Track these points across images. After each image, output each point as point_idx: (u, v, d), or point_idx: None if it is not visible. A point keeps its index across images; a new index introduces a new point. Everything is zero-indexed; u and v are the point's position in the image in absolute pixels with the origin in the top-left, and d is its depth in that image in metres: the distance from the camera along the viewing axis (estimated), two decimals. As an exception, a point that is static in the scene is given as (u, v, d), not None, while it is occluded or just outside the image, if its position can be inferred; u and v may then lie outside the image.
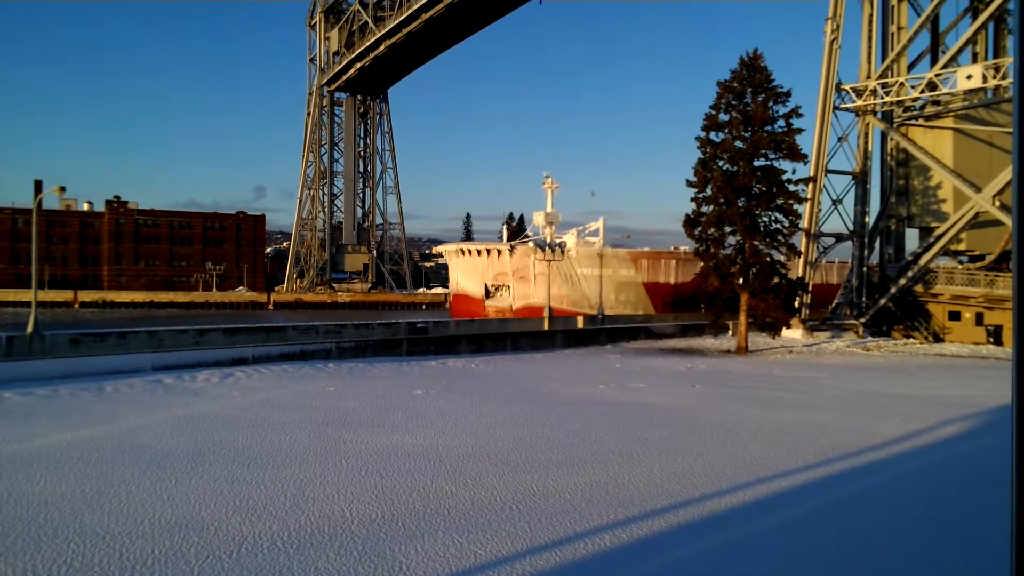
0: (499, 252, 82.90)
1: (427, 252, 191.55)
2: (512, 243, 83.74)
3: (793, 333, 47.07)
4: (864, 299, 52.55)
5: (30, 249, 38.03)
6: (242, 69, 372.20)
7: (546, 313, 47.17)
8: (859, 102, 50.48)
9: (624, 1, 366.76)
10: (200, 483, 11.31)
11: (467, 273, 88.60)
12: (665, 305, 78.15)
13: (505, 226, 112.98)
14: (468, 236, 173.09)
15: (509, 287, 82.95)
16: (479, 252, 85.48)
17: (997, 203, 43.80)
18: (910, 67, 52.24)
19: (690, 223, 40.61)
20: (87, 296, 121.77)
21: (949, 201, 49.88)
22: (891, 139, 52.16)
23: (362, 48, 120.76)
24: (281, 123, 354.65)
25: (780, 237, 39.51)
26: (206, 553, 8.28)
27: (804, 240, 49.09)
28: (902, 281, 50.16)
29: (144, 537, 8.80)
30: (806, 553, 8.64)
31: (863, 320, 51.24)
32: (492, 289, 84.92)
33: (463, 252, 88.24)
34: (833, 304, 55.33)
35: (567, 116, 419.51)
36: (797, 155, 39.20)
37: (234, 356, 29.16)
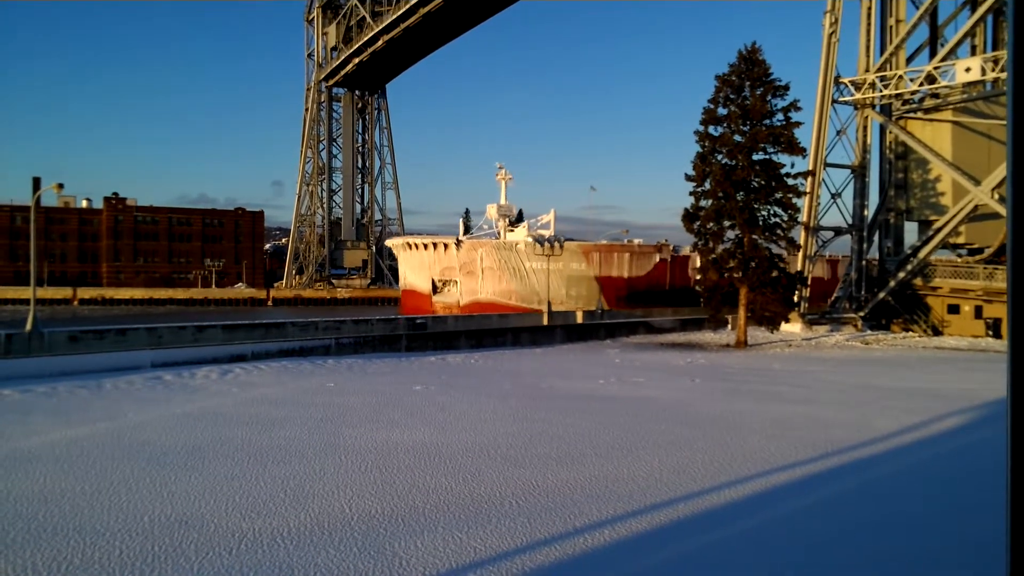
0: (445, 246, 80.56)
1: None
2: (459, 237, 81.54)
3: (792, 327, 47.11)
4: (863, 292, 52.58)
5: (29, 246, 37.96)
6: (240, 65, 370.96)
7: (546, 309, 47.16)
8: (858, 95, 50.42)
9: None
10: (199, 480, 11.31)
11: (415, 268, 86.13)
12: (618, 300, 76.39)
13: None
14: (467, 231, 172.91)
15: (457, 282, 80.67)
16: (426, 246, 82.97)
17: (996, 196, 43.80)
18: (909, 60, 52.22)
19: (689, 217, 40.59)
20: (86, 293, 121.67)
21: (948, 194, 49.88)
22: (890, 132, 52.13)
23: (360, 43, 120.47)
24: (280, 119, 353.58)
25: (779, 231, 39.51)
26: (206, 550, 8.28)
27: (803, 234, 49.10)
28: (901, 274, 50.19)
29: (144, 534, 8.80)
30: (807, 547, 8.65)
31: (862, 314, 51.27)
32: (440, 284, 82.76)
33: (410, 246, 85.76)
34: (832, 298, 55.38)
35: (567, 111, 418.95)
36: (796, 149, 39.17)
37: (233, 353, 29.15)
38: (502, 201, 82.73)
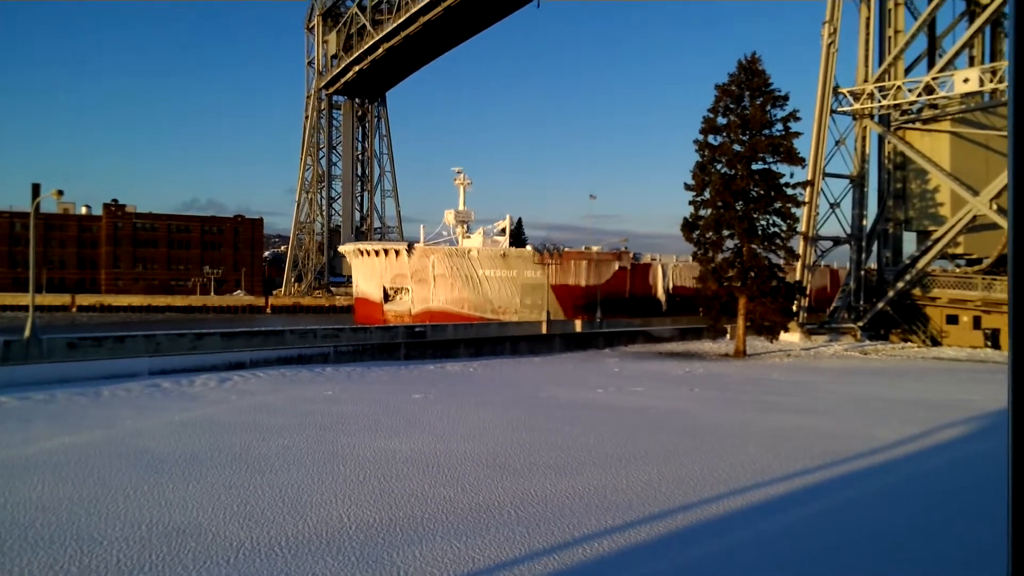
0: (397, 253, 78.22)
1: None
2: (410, 243, 79.66)
3: (791, 337, 47.11)
4: (862, 302, 52.61)
5: (28, 253, 37.95)
6: (240, 72, 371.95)
7: (544, 317, 47.15)
8: (856, 106, 50.59)
9: (622, 2, 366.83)
10: (197, 488, 11.28)
11: (367, 275, 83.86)
12: (576, 309, 73.57)
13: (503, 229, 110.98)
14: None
15: (408, 290, 78.39)
16: (377, 252, 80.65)
17: (994, 206, 43.89)
18: (907, 70, 52.41)
19: (688, 226, 40.65)
20: (85, 300, 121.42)
21: (946, 204, 49.98)
22: (888, 142, 52.28)
23: (360, 51, 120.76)
24: (280, 127, 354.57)
25: (778, 240, 39.57)
26: (203, 558, 8.26)
27: (802, 243, 49.18)
28: (900, 284, 50.22)
29: (141, 542, 8.77)
30: (805, 558, 8.63)
31: (861, 324, 51.28)
32: (391, 292, 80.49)
33: (361, 252, 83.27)
34: (831, 307, 55.41)
35: (566, 119, 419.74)
36: (795, 158, 39.29)
37: (231, 360, 29.11)
38: (461, 206, 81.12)
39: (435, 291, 76.37)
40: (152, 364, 27.06)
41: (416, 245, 79.03)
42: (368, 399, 21.46)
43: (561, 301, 75.95)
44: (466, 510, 10.27)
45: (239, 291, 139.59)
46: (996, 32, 53.36)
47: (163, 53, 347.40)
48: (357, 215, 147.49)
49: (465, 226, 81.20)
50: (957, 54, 48.36)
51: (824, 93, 50.67)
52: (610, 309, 70.34)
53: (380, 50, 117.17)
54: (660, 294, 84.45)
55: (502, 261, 75.91)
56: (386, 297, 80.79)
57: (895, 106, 49.93)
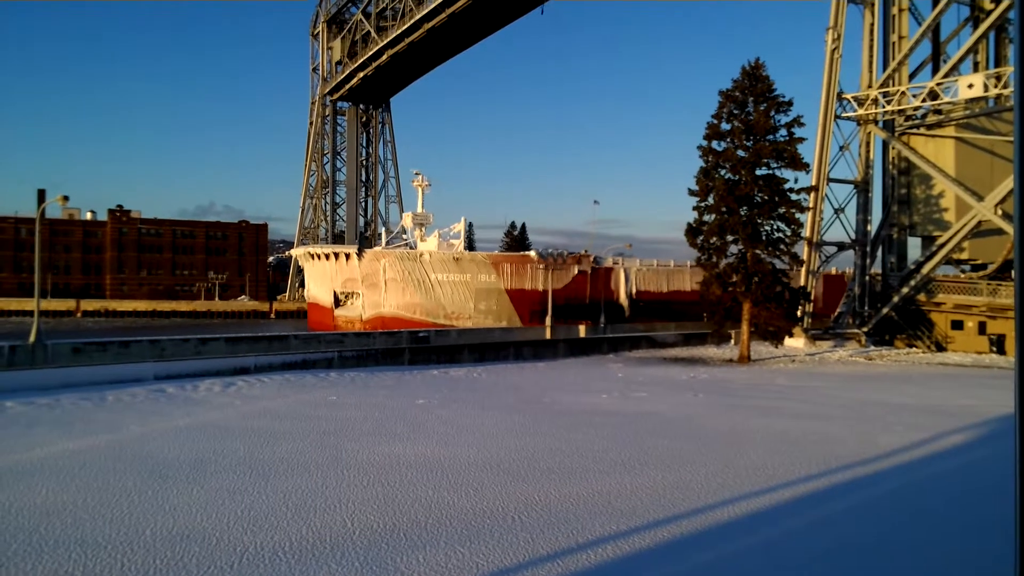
0: (347, 256, 76.67)
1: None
2: (361, 247, 78.67)
3: (795, 342, 47.02)
4: (867, 308, 52.51)
5: (33, 258, 38.11)
6: (245, 79, 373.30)
7: (548, 322, 47.16)
8: (860, 111, 50.57)
9: (626, 3, 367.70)
10: (202, 493, 11.29)
11: (318, 280, 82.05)
12: (532, 314, 71.59)
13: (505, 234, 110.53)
14: (470, 245, 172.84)
15: (359, 294, 76.93)
16: (327, 256, 79.00)
17: (999, 212, 43.81)
18: (911, 76, 52.40)
19: (692, 232, 40.69)
20: (89, 305, 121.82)
21: (951, 210, 49.93)
22: (893, 148, 52.26)
23: (364, 58, 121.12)
24: (285, 132, 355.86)
25: (782, 246, 39.54)
26: (207, 564, 8.26)
27: (806, 249, 49.12)
28: (904, 290, 50.14)
29: (145, 547, 8.78)
30: (810, 564, 8.60)
31: (866, 329, 51.16)
32: (342, 297, 79.10)
33: (313, 256, 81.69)
34: (835, 313, 55.32)
35: (570, 124, 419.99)
36: (799, 164, 39.30)
37: (236, 365, 29.16)
38: (419, 209, 79.91)
39: (386, 296, 74.84)
40: (157, 369, 27.13)
41: (373, 248, 77.72)
42: (372, 404, 21.46)
43: (517, 306, 74.15)
44: (470, 515, 10.26)
45: (243, 296, 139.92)
46: (1001, 37, 53.32)
47: (170, 59, 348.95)
48: (361, 220, 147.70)
49: (423, 229, 79.90)
50: (961, 59, 48.32)
51: (828, 98, 50.67)
52: (568, 314, 68.19)
53: (384, 56, 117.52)
54: (623, 299, 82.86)
55: (455, 265, 74.37)
56: (337, 302, 79.22)
57: (899, 111, 49.90)
